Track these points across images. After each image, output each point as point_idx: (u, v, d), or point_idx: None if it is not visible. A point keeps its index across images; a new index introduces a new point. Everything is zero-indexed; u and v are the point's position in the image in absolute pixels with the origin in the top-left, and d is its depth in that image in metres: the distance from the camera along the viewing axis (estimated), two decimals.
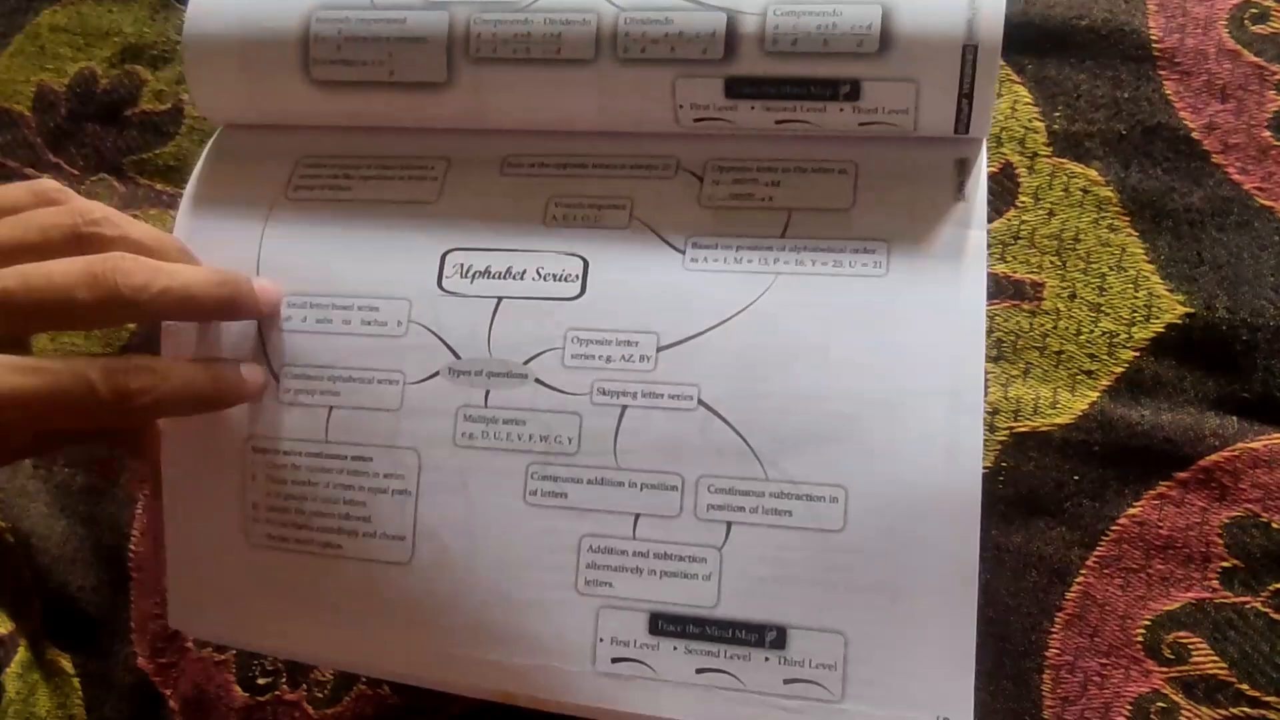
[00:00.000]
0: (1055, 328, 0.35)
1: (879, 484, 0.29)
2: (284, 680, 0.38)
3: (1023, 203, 0.36)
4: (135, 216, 0.44)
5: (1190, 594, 0.32)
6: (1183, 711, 0.31)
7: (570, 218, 0.33)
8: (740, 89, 0.32)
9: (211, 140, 0.37)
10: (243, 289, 0.33)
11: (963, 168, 0.32)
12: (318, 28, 0.34)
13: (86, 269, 0.28)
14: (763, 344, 0.31)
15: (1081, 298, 0.35)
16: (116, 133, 0.47)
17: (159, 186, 0.46)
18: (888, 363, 0.30)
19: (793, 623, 0.29)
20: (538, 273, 0.32)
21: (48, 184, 0.31)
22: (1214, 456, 0.33)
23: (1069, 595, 0.33)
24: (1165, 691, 0.32)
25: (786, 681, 0.29)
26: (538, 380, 0.31)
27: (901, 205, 0.32)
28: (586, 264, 0.32)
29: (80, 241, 0.30)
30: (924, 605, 0.29)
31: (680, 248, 0.32)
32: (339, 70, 0.34)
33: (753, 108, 0.32)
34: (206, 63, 0.35)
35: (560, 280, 0.32)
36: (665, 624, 0.30)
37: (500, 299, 0.32)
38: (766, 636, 0.29)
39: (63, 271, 0.28)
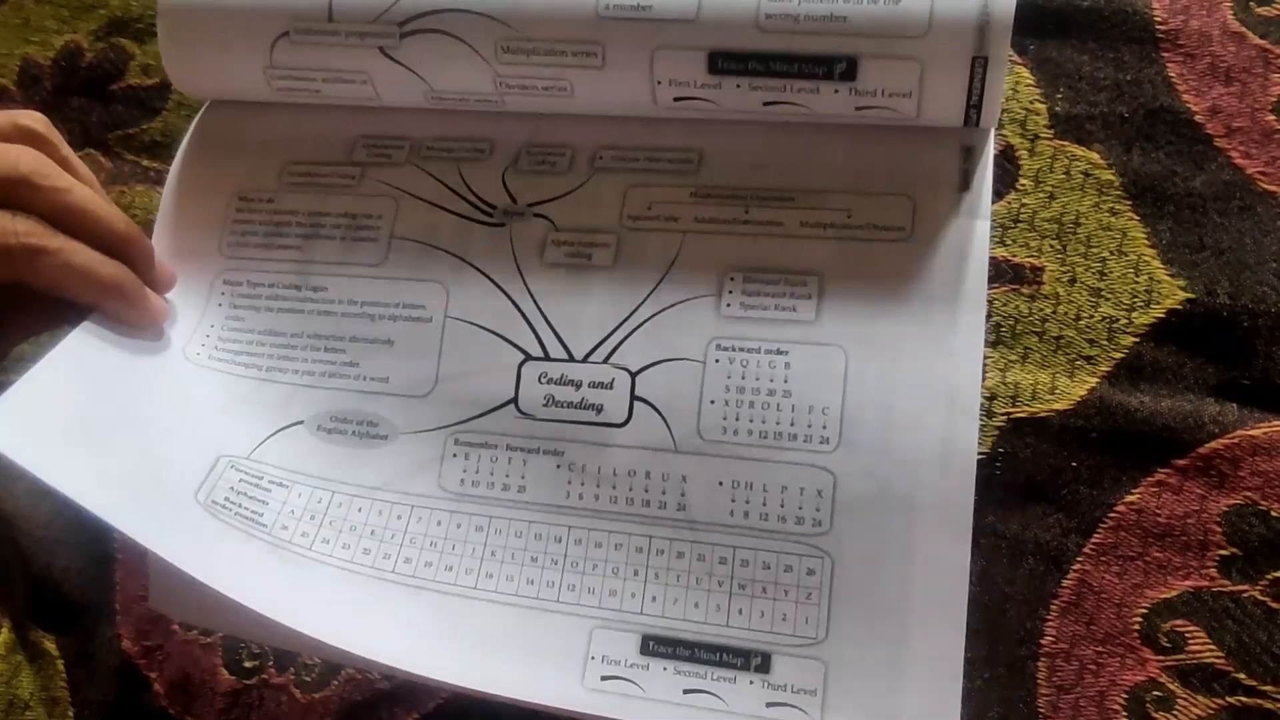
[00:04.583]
0: (1055, 312, 0.34)
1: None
2: (271, 664, 0.38)
3: (1023, 185, 0.36)
4: (122, 193, 0.44)
5: (1188, 582, 0.32)
6: (1179, 700, 0.31)
7: None
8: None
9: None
10: (130, 282, 0.33)
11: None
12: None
13: None
14: None
15: (1081, 282, 0.35)
16: (102, 107, 0.46)
17: (145, 163, 0.45)
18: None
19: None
20: None
21: (30, 117, 0.31)
22: (1213, 444, 0.32)
23: (1065, 583, 0.33)
24: (1161, 680, 0.31)
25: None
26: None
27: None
28: None
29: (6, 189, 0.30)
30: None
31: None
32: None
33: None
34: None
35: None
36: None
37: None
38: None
39: None
